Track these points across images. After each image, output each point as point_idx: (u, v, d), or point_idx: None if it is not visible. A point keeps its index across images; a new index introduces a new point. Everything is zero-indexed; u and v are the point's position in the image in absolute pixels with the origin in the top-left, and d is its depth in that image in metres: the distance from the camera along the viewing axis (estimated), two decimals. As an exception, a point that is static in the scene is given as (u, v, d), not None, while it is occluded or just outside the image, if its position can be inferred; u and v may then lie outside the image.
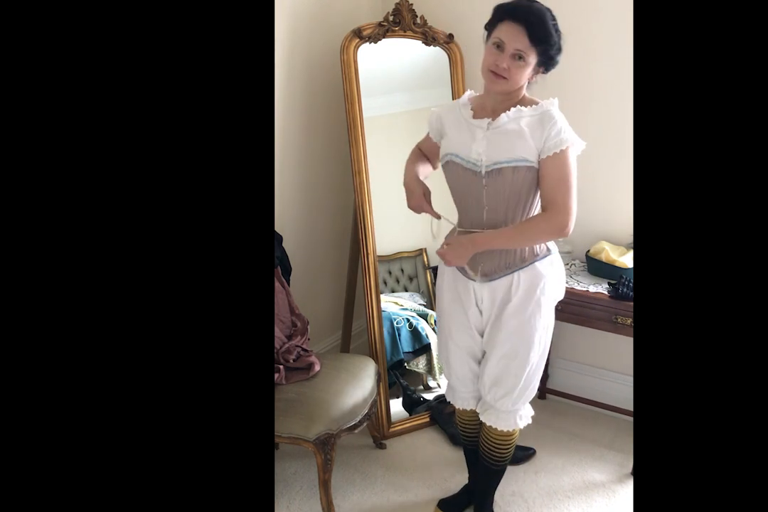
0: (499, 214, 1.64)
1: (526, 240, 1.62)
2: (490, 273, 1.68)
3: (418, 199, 1.73)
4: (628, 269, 2.22)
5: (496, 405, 1.79)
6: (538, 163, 1.57)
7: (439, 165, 1.76)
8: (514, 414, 1.80)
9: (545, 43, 1.53)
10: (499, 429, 1.82)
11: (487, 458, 1.93)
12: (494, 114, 1.63)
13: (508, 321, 1.69)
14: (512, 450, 1.92)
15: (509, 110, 1.60)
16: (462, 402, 1.90)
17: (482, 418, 1.84)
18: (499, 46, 1.53)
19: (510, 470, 2.29)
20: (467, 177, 1.64)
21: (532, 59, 1.54)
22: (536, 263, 1.68)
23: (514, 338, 1.70)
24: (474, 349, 1.80)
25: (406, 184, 1.77)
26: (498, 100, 1.62)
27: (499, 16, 1.55)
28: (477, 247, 1.63)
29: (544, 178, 1.57)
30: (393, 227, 2.49)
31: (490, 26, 1.58)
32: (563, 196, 1.54)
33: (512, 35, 1.51)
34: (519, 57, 1.52)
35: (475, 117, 1.66)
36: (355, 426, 1.98)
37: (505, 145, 1.57)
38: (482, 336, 1.78)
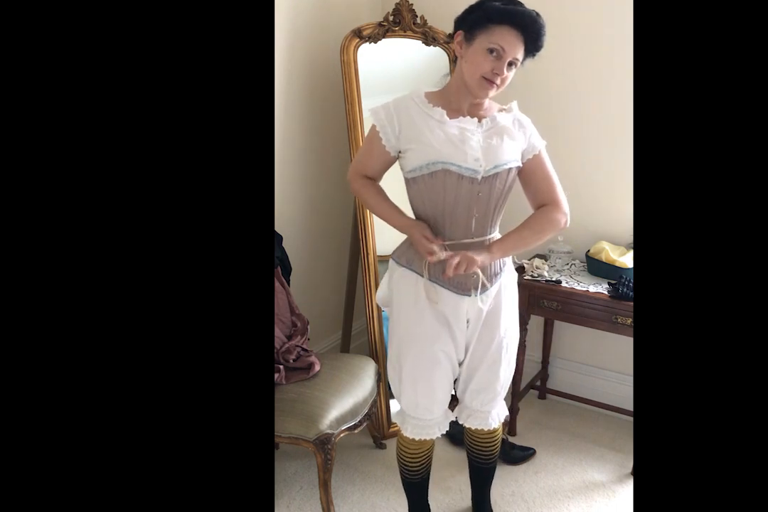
0: (487, 220, 1.58)
1: (538, 238, 1.60)
2: (485, 283, 1.61)
3: (429, 236, 1.53)
4: (628, 269, 2.22)
5: (483, 408, 1.77)
6: (521, 164, 1.59)
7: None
8: (498, 409, 1.82)
9: (537, 52, 1.49)
10: (487, 429, 1.82)
11: (483, 459, 1.93)
12: (471, 115, 1.54)
13: (499, 328, 1.67)
14: (501, 441, 1.95)
15: (487, 114, 1.56)
16: (437, 429, 1.74)
17: (467, 423, 1.81)
18: (494, 52, 1.42)
19: (510, 470, 2.29)
20: (462, 186, 1.50)
21: (519, 64, 1.49)
22: (509, 265, 1.69)
23: (503, 343, 1.69)
24: (456, 366, 1.71)
25: (406, 227, 1.57)
26: (473, 102, 1.54)
27: (497, 18, 1.41)
28: (494, 257, 1.55)
29: (534, 177, 1.60)
30: (393, 227, 2.49)
31: (479, 26, 1.43)
32: (557, 190, 1.62)
33: (513, 44, 1.42)
34: (511, 64, 1.46)
35: (450, 118, 1.52)
36: (355, 426, 1.98)
37: (504, 146, 1.53)
38: (465, 349, 1.70)
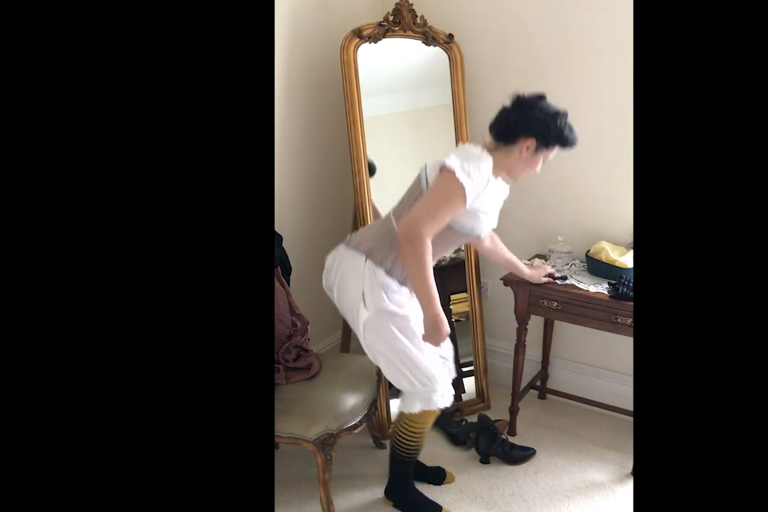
0: None
1: None
2: None
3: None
4: (628, 269, 2.22)
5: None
6: None
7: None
8: None
9: None
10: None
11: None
12: None
13: None
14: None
15: None
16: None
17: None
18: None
19: (510, 470, 2.30)
20: None
21: None
22: None
23: None
24: None
25: (439, 316, 1.72)
26: None
27: (566, 142, 1.74)
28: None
29: None
30: (393, 227, 2.49)
31: (550, 145, 1.74)
32: None
33: None
34: None
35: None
36: (355, 426, 1.98)
37: None
38: None
